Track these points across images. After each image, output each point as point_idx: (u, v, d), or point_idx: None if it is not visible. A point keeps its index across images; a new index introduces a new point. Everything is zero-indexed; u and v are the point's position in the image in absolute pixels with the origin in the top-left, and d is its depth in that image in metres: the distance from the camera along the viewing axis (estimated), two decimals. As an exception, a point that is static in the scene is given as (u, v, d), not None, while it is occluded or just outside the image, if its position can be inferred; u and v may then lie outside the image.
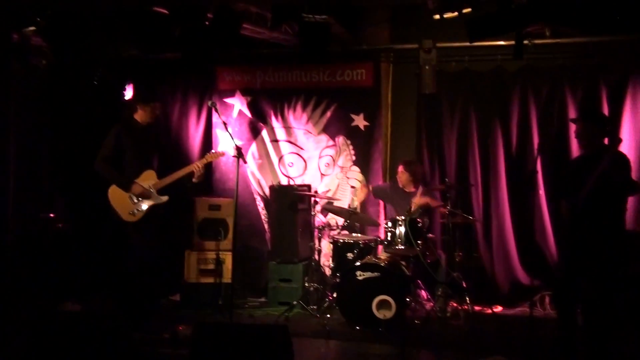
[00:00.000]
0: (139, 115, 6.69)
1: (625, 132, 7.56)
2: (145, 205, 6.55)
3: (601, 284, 5.83)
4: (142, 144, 6.66)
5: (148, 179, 6.61)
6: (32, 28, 7.34)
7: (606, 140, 6.13)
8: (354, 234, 7.76)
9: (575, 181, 5.93)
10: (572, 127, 6.65)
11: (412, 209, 7.33)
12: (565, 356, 5.76)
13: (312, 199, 7.81)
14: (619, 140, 6.03)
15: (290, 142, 8.76)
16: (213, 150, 7.69)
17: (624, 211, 5.96)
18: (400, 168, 7.83)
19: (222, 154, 7.28)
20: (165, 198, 6.65)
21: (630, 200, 6.48)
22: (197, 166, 6.70)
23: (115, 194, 6.58)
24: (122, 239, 6.68)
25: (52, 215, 7.99)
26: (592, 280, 5.87)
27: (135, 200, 6.53)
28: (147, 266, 6.56)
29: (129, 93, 8.47)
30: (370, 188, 8.08)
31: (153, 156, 6.76)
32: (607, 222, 5.78)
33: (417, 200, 7.50)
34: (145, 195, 6.54)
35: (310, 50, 7.33)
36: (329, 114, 8.61)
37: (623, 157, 5.94)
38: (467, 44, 7.13)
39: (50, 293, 7.44)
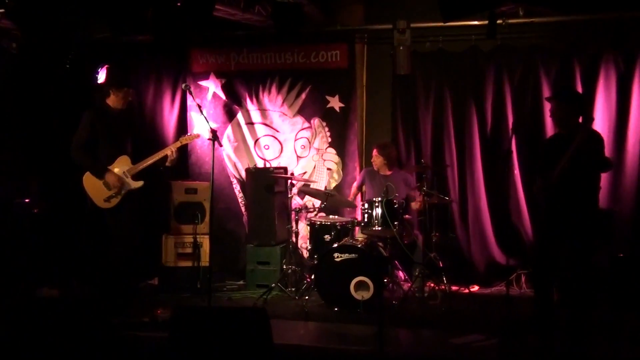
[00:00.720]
0: (112, 100, 6.63)
1: (599, 110, 7.61)
2: (120, 192, 6.51)
3: (575, 260, 5.92)
4: (116, 129, 6.61)
5: (122, 165, 6.57)
6: (0, 10, 7.21)
7: (580, 119, 6.20)
8: (331, 216, 7.78)
9: (550, 159, 5.99)
10: (547, 106, 6.72)
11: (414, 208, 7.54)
12: (541, 333, 5.85)
13: (289, 181, 7.79)
14: (591, 119, 6.10)
15: (265, 124, 8.73)
16: (189, 134, 7.65)
17: (597, 189, 6.04)
18: (375, 152, 7.84)
19: (197, 136, 7.25)
20: (140, 183, 6.62)
21: (604, 179, 6.55)
22: (170, 150, 6.66)
23: (89, 181, 6.54)
24: (98, 224, 6.65)
25: (27, 200, 7.90)
26: (567, 257, 5.96)
27: (111, 187, 6.49)
28: (125, 251, 6.53)
29: (101, 76, 8.37)
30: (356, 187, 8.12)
31: (127, 141, 6.71)
32: (581, 199, 5.86)
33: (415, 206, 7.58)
34: (120, 184, 6.50)
35: (283, 31, 7.29)
36: (304, 95, 8.58)
37: (596, 134, 6.01)
38: (442, 24, 7.16)
39: (27, 279, 7.38)
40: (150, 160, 6.66)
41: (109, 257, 6.57)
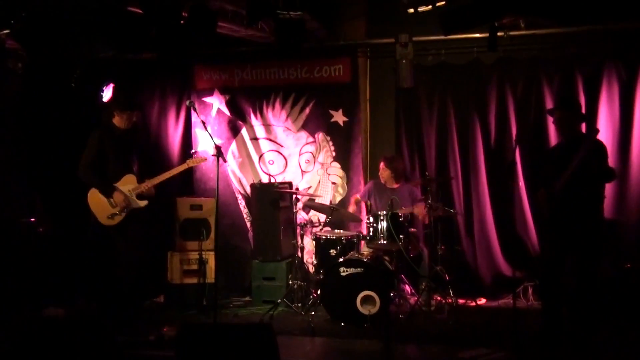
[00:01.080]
0: (117, 121, 6.70)
1: (602, 120, 7.61)
2: (124, 211, 6.55)
3: (581, 271, 5.89)
4: (121, 148, 6.67)
5: (127, 183, 6.61)
6: (6, 31, 7.26)
7: (583, 128, 6.19)
8: (336, 230, 7.78)
9: (553, 169, 5.99)
10: (550, 117, 6.70)
11: (401, 213, 7.30)
12: (550, 346, 5.82)
13: (294, 196, 7.80)
14: (596, 131, 6.10)
15: (270, 139, 8.75)
16: (195, 156, 7.60)
17: (602, 199, 6.02)
18: (382, 165, 7.85)
19: (204, 160, 7.29)
20: (144, 202, 6.67)
21: (609, 189, 6.54)
22: (146, 186, 6.68)
23: (94, 198, 6.58)
24: (104, 242, 6.67)
25: (32, 219, 7.92)
26: (572, 268, 5.94)
27: (115, 204, 6.52)
28: (131, 268, 6.54)
29: (107, 94, 8.41)
30: (359, 197, 8.10)
31: (132, 160, 6.75)
32: (586, 209, 5.84)
33: (415, 210, 7.53)
34: (126, 203, 6.54)
35: (286, 46, 7.32)
36: (307, 110, 8.60)
37: (600, 144, 6.00)
38: (443, 37, 7.16)
39: (32, 298, 7.38)
40: (156, 181, 6.70)
41: (115, 276, 6.58)
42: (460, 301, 7.44)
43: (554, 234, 6.02)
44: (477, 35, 7.68)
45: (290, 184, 8.39)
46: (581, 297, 5.92)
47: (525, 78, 7.97)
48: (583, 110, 7.14)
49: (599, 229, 5.95)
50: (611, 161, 6.40)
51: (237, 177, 8.80)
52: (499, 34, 7.04)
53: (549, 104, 7.66)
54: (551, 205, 5.95)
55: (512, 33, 7.68)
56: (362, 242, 7.58)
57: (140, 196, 6.63)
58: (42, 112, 8.51)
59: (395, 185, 7.82)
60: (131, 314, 6.58)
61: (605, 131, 7.54)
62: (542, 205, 6.10)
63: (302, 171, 8.66)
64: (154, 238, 7.71)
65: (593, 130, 6.15)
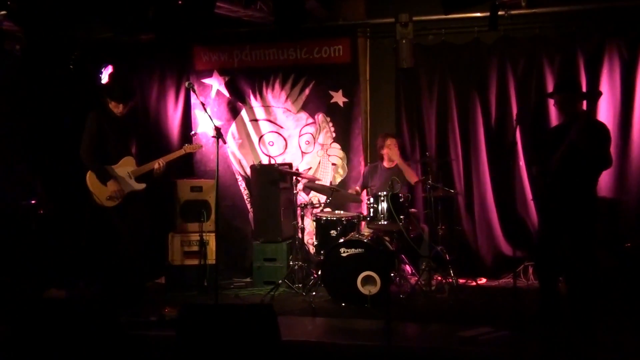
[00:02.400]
0: (112, 106, 6.68)
1: (603, 99, 7.55)
2: (122, 194, 6.56)
3: (577, 249, 5.88)
4: (119, 130, 6.66)
5: (126, 166, 6.61)
6: (3, 12, 7.23)
7: (584, 106, 6.15)
8: (336, 211, 7.77)
9: (551, 149, 5.97)
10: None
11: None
12: (549, 325, 5.83)
13: (294, 177, 7.79)
14: (599, 94, 6.04)
15: (269, 121, 8.72)
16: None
17: (596, 178, 5.98)
18: (392, 141, 7.78)
19: (200, 147, 7.25)
20: (142, 185, 6.67)
21: (609, 169, 6.50)
22: (158, 163, 6.69)
23: (93, 178, 6.58)
24: (105, 223, 6.68)
25: (32, 201, 7.92)
26: (569, 246, 5.93)
27: (110, 192, 6.54)
28: (132, 250, 6.55)
29: (104, 77, 8.37)
30: (358, 189, 8.07)
31: (131, 142, 6.76)
32: (578, 186, 5.82)
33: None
34: (120, 194, 6.54)
35: (285, 27, 7.27)
36: (307, 91, 8.57)
37: (600, 126, 5.94)
38: (444, 16, 7.12)
39: (34, 280, 7.40)
40: (152, 166, 6.71)
41: (116, 257, 6.59)
42: (461, 281, 7.46)
43: (548, 212, 6.01)
44: (478, 14, 7.65)
45: (290, 165, 8.39)
46: (579, 276, 5.91)
47: (526, 57, 7.93)
48: (584, 89, 7.12)
49: (592, 207, 5.92)
50: (612, 139, 6.36)
51: (237, 158, 8.78)
52: (499, 12, 7.02)
53: (550, 83, 7.64)
54: (545, 182, 5.94)
55: (512, 12, 7.66)
56: (363, 223, 7.58)
57: (139, 178, 6.63)
58: (41, 93, 8.47)
59: (393, 164, 7.81)
60: (133, 295, 6.60)
61: (606, 110, 7.53)
62: (536, 182, 6.09)
63: (302, 152, 8.65)
64: (154, 219, 7.71)
65: (596, 94, 6.11)
